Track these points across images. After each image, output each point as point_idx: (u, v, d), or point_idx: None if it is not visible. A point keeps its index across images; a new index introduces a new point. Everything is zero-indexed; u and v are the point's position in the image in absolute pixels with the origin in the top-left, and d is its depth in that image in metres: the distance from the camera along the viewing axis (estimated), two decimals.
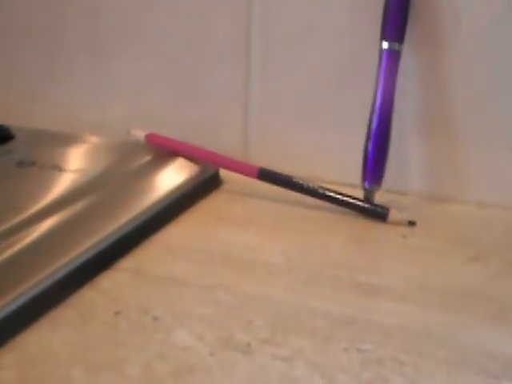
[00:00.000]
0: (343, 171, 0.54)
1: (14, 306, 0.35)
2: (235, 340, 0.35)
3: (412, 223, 0.48)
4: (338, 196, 0.49)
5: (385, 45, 0.49)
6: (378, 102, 0.50)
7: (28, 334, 0.35)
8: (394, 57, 0.49)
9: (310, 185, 0.50)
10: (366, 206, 0.49)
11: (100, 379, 0.31)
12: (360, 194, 0.50)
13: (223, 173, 0.55)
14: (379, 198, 0.51)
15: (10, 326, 0.34)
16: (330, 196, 0.49)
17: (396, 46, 0.49)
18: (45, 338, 0.34)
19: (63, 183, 0.48)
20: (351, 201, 0.49)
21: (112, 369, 0.32)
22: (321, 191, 0.50)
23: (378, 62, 0.49)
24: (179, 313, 0.37)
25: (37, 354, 0.33)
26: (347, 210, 0.50)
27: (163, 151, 0.55)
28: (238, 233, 0.47)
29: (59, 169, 0.51)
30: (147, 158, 0.54)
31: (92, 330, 0.35)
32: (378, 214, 0.49)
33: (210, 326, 0.36)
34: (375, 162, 0.50)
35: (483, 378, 0.32)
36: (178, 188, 0.51)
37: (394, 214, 0.48)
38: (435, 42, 0.50)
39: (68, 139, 0.58)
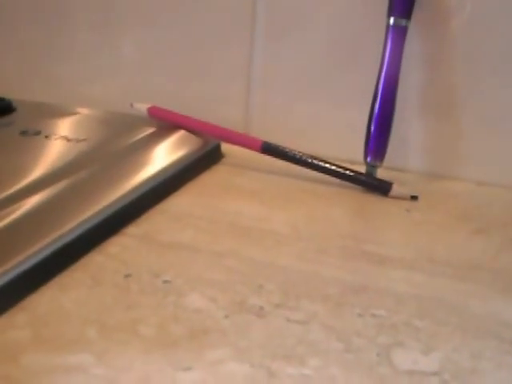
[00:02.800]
0: (344, 147, 0.53)
1: (23, 267, 0.33)
2: (248, 304, 0.33)
3: (414, 198, 0.47)
4: (341, 170, 0.48)
5: (391, 21, 0.47)
6: (383, 78, 0.48)
7: (38, 295, 0.33)
8: (400, 33, 0.48)
9: (314, 159, 0.48)
10: (370, 180, 0.48)
11: (115, 339, 0.30)
12: (361, 170, 0.49)
13: (223, 147, 0.53)
14: (380, 174, 0.49)
15: (21, 286, 0.33)
16: (333, 170, 0.48)
17: (403, 22, 0.47)
18: (56, 298, 0.33)
19: (70, 151, 0.47)
20: (355, 175, 0.48)
21: (126, 329, 0.30)
22: (325, 165, 0.48)
23: (384, 38, 0.48)
24: (190, 277, 0.35)
25: (49, 314, 0.31)
26: (349, 184, 0.48)
27: (165, 124, 0.53)
28: (242, 203, 0.45)
29: (65, 138, 0.49)
30: (150, 130, 0.53)
31: (103, 291, 0.34)
32: (380, 188, 0.48)
33: (222, 290, 0.34)
34: (378, 137, 0.49)
35: (498, 343, 0.31)
36: (181, 160, 0.50)
37: (396, 189, 0.47)
38: (439, 21, 0.49)
39: (71, 112, 0.56)
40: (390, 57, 0.48)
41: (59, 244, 0.36)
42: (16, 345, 0.29)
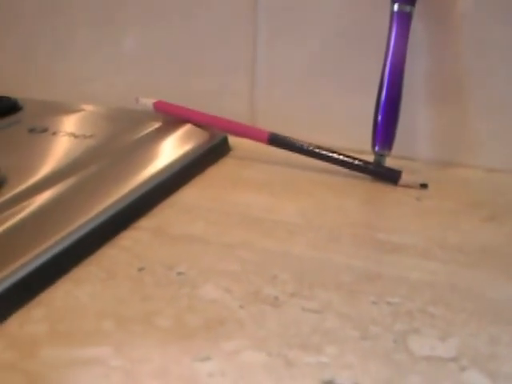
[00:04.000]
0: (352, 137, 0.53)
1: (38, 262, 0.33)
2: (263, 293, 0.33)
3: (424, 186, 0.47)
4: (350, 160, 0.48)
5: (395, 7, 0.47)
6: (389, 65, 0.48)
7: (54, 289, 0.33)
8: (405, 20, 0.47)
9: (322, 149, 0.48)
10: (378, 169, 0.48)
11: (132, 331, 0.30)
12: (369, 159, 0.49)
13: (230, 139, 0.53)
14: (388, 163, 0.49)
15: (36, 281, 0.33)
16: (341, 160, 0.48)
17: (407, 8, 0.47)
18: (71, 292, 0.33)
19: (78, 148, 0.47)
20: (363, 164, 0.48)
21: (142, 321, 0.30)
22: (333, 155, 0.48)
23: (389, 25, 0.48)
24: (203, 269, 0.35)
25: (65, 308, 0.31)
26: (358, 173, 0.48)
27: (172, 118, 0.53)
28: (252, 195, 0.45)
29: (72, 135, 0.49)
30: (156, 124, 0.53)
31: (117, 284, 0.34)
32: (390, 177, 0.47)
33: (236, 281, 0.34)
34: (386, 126, 0.49)
35: None
36: (189, 153, 0.50)
37: (405, 177, 0.47)
38: (444, 7, 0.49)
39: (76, 108, 0.57)
40: (395, 44, 0.47)
41: (72, 238, 0.36)
42: (34, 339, 0.29)
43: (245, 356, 0.28)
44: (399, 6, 0.47)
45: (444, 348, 0.29)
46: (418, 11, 0.48)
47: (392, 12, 0.47)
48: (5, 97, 0.57)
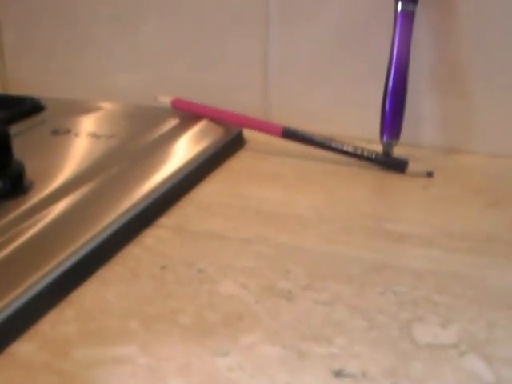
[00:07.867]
0: (360, 127, 0.55)
1: (68, 264, 0.35)
2: (277, 288, 0.35)
3: (430, 174, 0.48)
4: (359, 151, 0.49)
5: (399, 6, 0.48)
6: (394, 60, 0.50)
7: (82, 290, 0.35)
8: (408, 17, 0.49)
9: (332, 141, 0.50)
10: (387, 159, 0.49)
11: (156, 330, 0.32)
12: (377, 148, 0.50)
13: (245, 132, 0.55)
14: (395, 151, 0.51)
15: (67, 281, 0.35)
16: (352, 152, 0.50)
17: (410, 7, 0.48)
18: (99, 293, 0.35)
19: (99, 149, 0.48)
20: (372, 156, 0.49)
21: (166, 319, 0.32)
22: (343, 147, 0.50)
23: (393, 22, 0.49)
24: (222, 265, 0.37)
25: (94, 308, 0.33)
26: (367, 163, 0.50)
27: (189, 115, 0.55)
28: (266, 188, 0.47)
29: (94, 135, 0.51)
30: (174, 122, 0.54)
31: (142, 283, 0.35)
32: (397, 166, 0.49)
33: (252, 276, 0.36)
34: (393, 117, 0.50)
35: None
36: (206, 149, 0.51)
37: (413, 166, 0.48)
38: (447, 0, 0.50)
39: (97, 107, 0.58)
40: (399, 40, 0.49)
41: (98, 240, 0.38)
42: (66, 339, 0.31)
43: (261, 350, 0.30)
44: (402, 4, 0.48)
45: (445, 335, 0.31)
46: (421, 7, 0.49)
47: (396, 10, 0.49)
48: (29, 97, 0.59)
